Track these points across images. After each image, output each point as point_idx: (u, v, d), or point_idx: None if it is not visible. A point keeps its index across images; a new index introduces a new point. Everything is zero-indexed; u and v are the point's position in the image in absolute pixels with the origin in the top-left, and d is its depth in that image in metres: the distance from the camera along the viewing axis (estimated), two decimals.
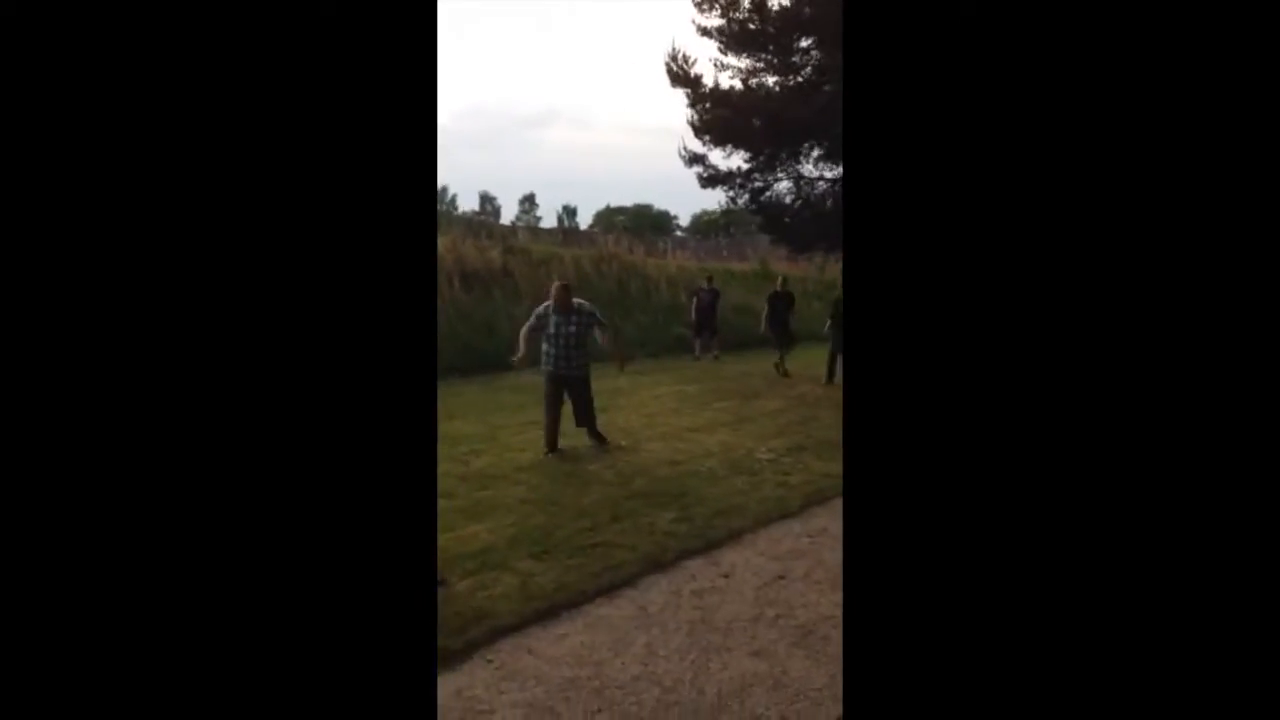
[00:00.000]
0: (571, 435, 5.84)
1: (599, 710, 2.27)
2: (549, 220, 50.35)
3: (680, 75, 9.00)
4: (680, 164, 9.34)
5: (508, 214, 51.18)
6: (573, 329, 5.13)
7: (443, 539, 3.58)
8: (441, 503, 4.11)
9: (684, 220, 49.87)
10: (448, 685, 2.39)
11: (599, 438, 5.43)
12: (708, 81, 8.92)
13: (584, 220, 49.23)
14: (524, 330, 5.29)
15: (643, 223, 37.81)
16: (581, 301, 5.26)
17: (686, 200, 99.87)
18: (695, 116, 9.11)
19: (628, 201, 51.03)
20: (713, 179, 9.56)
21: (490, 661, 2.55)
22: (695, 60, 9.00)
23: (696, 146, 9.34)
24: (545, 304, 5.21)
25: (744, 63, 8.82)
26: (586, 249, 13.87)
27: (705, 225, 45.01)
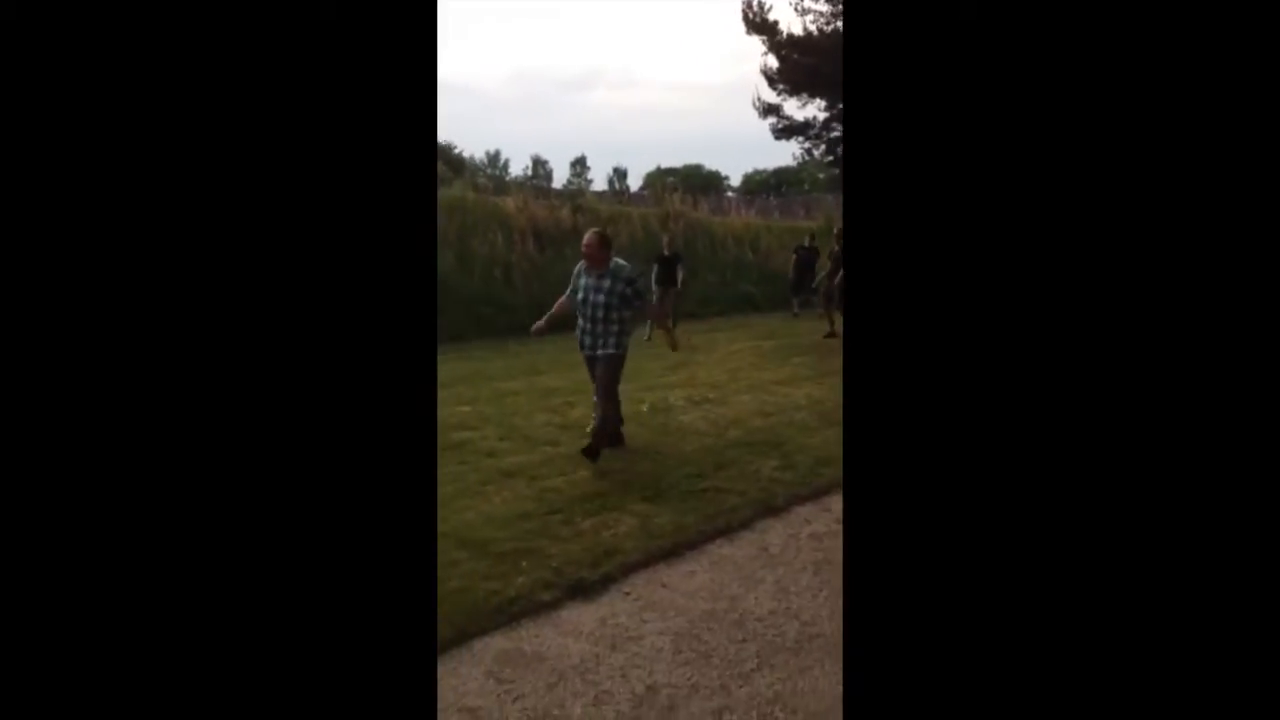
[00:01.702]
0: (661, 388, 5.89)
1: (744, 640, 2.33)
2: (600, 183, 50.09)
3: (756, 22, 8.74)
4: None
5: (559, 178, 51.08)
6: (601, 296, 3.87)
7: (557, 482, 3.69)
8: (548, 450, 4.23)
9: (734, 180, 49.04)
10: (591, 614, 2.49)
11: (595, 447, 3.93)
12: (784, 28, 8.63)
13: (634, 182, 48.82)
14: (554, 310, 4.22)
15: (694, 183, 37.34)
16: (620, 261, 4.01)
17: (735, 160, 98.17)
18: (771, 65, 8.87)
19: (676, 162, 50.30)
20: (788, 130, 9.33)
21: (628, 594, 2.63)
22: (771, 6, 8.71)
23: (770, 97, 9.11)
24: (578, 265, 4.07)
25: (823, 6, 8.51)
26: (652, 208, 13.76)
27: (756, 184, 44.22)
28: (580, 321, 4.02)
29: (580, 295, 3.95)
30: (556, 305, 4.23)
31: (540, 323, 4.23)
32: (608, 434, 4.03)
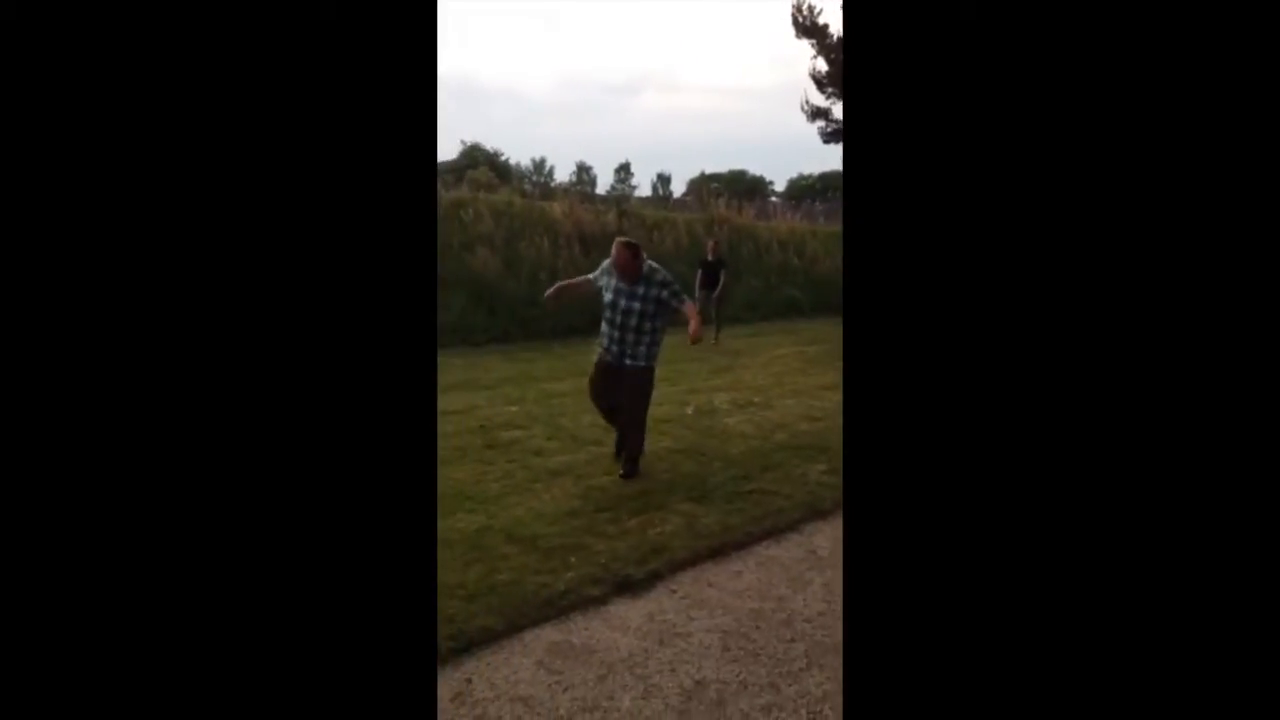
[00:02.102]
0: (705, 391, 5.90)
1: (792, 640, 2.33)
2: (644, 189, 50.28)
3: (806, 25, 8.70)
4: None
5: (603, 183, 51.49)
6: (636, 303, 3.58)
7: (603, 481, 3.72)
8: (594, 449, 4.27)
9: (779, 185, 48.71)
10: (639, 609, 2.51)
11: (633, 465, 3.73)
12: (834, 31, 8.57)
13: (678, 188, 48.86)
14: (570, 281, 4.06)
15: (738, 188, 37.22)
16: (654, 265, 3.69)
17: (779, 164, 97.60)
18: (820, 68, 8.81)
19: (720, 167, 50.25)
20: (837, 134, 9.25)
21: (675, 591, 2.65)
22: (822, 9, 8.67)
23: (819, 100, 9.05)
24: (607, 260, 3.72)
25: None
26: (697, 214, 13.77)
27: (801, 189, 43.89)
28: (606, 329, 3.70)
29: (610, 298, 3.64)
30: (576, 281, 4.02)
31: (548, 294, 4.02)
32: (634, 450, 3.80)
